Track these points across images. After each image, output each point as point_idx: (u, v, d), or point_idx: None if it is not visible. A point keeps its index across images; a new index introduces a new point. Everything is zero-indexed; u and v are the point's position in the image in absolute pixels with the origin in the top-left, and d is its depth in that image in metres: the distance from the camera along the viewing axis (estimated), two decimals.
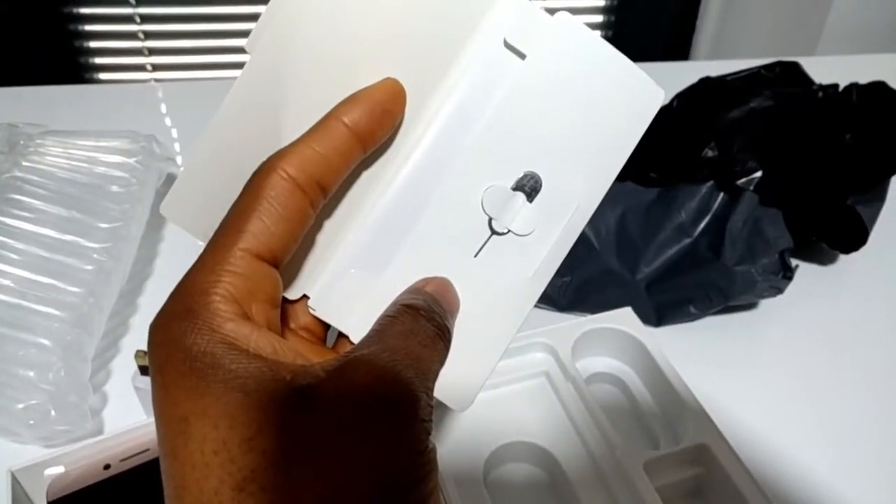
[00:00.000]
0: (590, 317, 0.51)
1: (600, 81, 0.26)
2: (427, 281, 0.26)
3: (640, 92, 0.26)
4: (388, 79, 0.25)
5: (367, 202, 0.26)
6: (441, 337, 0.23)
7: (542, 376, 0.49)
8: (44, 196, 0.55)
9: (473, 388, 0.26)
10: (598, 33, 0.26)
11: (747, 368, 0.55)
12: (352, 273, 0.26)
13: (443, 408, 0.24)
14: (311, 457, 0.19)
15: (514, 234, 0.26)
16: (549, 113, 0.26)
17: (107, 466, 0.39)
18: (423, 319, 0.23)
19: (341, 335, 0.26)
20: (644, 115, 0.26)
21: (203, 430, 0.19)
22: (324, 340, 0.27)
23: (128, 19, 1.51)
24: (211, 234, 0.22)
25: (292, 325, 0.26)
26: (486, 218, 0.26)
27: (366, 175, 0.26)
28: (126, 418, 0.49)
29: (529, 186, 0.26)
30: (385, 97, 0.25)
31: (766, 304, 0.60)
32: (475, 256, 0.26)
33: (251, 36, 0.25)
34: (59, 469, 0.38)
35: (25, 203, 0.55)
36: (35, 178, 0.56)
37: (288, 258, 0.23)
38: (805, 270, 0.62)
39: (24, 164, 0.57)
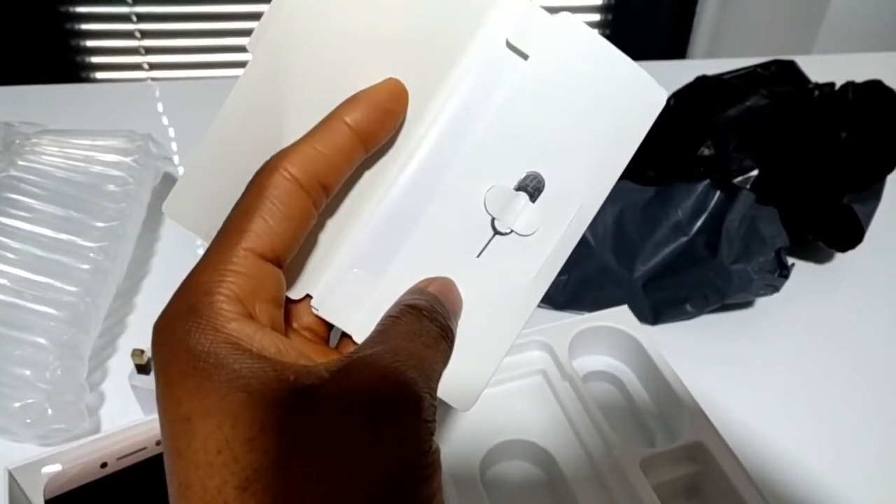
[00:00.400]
0: (587, 315, 0.51)
1: (603, 82, 0.26)
2: (430, 281, 0.26)
3: (642, 92, 0.26)
4: (391, 79, 0.25)
5: (369, 202, 0.26)
6: (444, 337, 0.23)
7: (538, 374, 0.49)
8: (40, 195, 0.55)
9: (476, 388, 0.26)
10: (598, 32, 0.26)
11: (744, 366, 0.56)
12: (355, 273, 0.26)
13: (440, 406, 0.24)
14: (314, 457, 0.19)
15: (516, 234, 0.26)
16: (552, 113, 0.26)
17: (104, 465, 0.39)
18: (426, 320, 0.23)
19: (344, 335, 0.26)
20: (647, 116, 0.26)
21: (206, 429, 0.19)
22: (327, 340, 0.27)
23: (124, 18, 1.50)
24: (214, 233, 0.22)
25: (295, 325, 0.26)
26: (489, 218, 0.26)
27: (368, 175, 0.26)
28: (123, 417, 0.49)
29: (532, 186, 0.26)
30: (387, 97, 0.25)
31: (762, 303, 0.60)
32: (478, 256, 0.26)
33: (253, 35, 0.25)
34: (57, 467, 0.38)
35: (22, 202, 0.54)
36: (31, 177, 0.56)
37: (291, 258, 0.23)
38: (801, 269, 0.62)
39: (21, 163, 0.57)
